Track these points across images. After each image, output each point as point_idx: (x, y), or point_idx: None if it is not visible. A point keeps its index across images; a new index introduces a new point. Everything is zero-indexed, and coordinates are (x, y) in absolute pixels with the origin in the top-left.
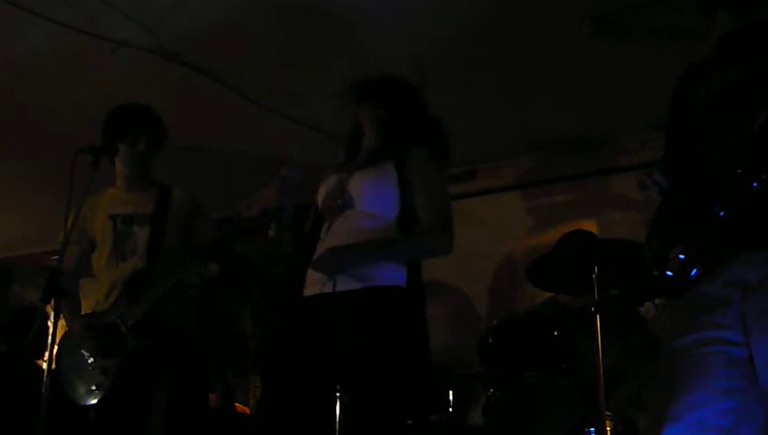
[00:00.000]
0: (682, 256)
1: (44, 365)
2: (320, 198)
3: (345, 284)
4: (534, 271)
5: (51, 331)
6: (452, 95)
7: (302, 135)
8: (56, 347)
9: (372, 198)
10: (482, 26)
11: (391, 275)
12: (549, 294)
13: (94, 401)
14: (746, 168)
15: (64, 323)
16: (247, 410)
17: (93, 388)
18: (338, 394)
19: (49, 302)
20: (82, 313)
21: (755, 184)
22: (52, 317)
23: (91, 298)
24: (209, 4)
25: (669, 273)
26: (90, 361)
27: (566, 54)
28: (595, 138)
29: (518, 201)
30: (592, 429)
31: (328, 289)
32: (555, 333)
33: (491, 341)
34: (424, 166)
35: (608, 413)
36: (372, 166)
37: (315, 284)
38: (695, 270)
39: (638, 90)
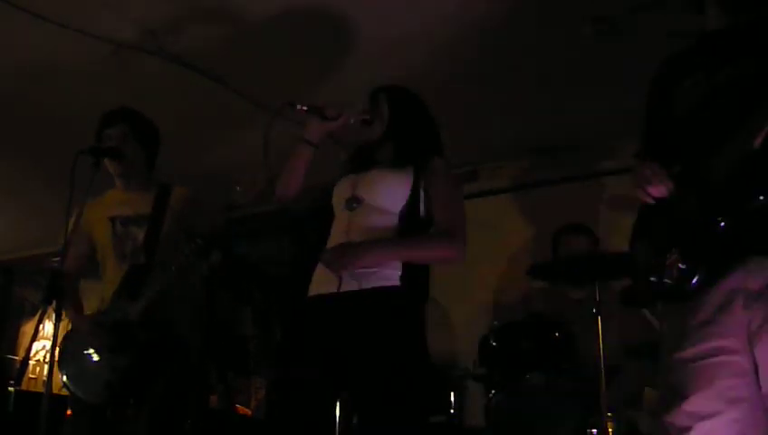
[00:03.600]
0: (682, 266)
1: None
2: (334, 198)
3: (348, 284)
4: (535, 272)
5: (52, 332)
6: (453, 96)
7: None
8: (57, 349)
9: (383, 194)
10: (483, 28)
11: (384, 274)
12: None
13: (107, 400)
14: (751, 183)
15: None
16: (248, 412)
17: (104, 386)
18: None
19: (50, 303)
20: (86, 313)
21: (762, 198)
22: (53, 318)
23: (93, 300)
24: (210, 4)
25: (667, 281)
26: (95, 359)
27: (567, 55)
28: (596, 139)
29: (519, 202)
30: (594, 429)
31: (332, 289)
32: (556, 335)
33: (492, 342)
34: (443, 177)
35: (609, 414)
36: (392, 168)
37: (321, 284)
38: (696, 279)
39: (638, 91)
